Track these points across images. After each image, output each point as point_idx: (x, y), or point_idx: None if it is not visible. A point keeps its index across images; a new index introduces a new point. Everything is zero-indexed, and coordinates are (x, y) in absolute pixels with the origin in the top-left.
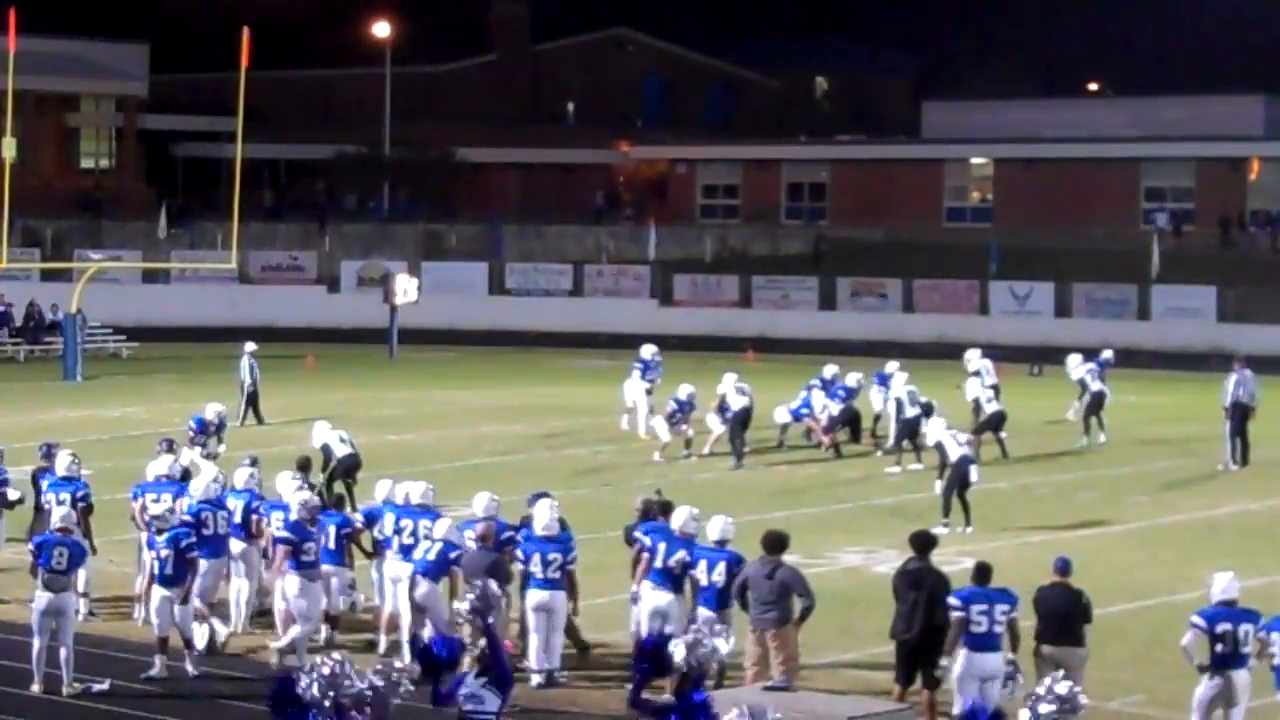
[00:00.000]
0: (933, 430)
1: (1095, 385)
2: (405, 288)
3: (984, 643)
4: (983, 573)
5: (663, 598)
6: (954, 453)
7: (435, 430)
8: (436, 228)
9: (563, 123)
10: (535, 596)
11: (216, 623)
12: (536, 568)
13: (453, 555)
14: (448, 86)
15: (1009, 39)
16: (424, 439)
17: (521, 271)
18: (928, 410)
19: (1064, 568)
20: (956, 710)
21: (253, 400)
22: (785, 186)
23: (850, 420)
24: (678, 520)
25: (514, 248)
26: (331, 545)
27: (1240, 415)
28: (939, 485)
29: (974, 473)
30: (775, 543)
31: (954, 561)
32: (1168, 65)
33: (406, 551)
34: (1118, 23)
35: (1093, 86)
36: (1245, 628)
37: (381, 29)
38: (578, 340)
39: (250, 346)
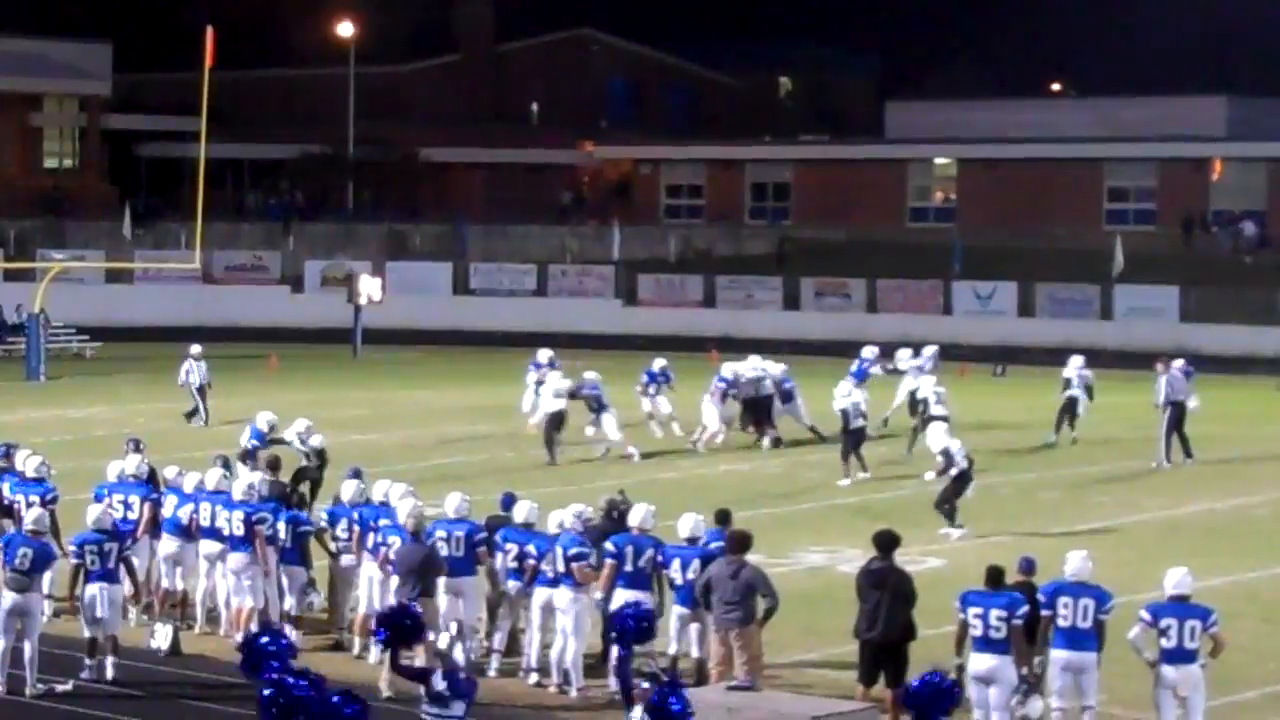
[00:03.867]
0: (936, 436)
1: (1074, 390)
2: (369, 288)
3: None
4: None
5: (632, 598)
6: (960, 461)
7: (399, 430)
8: (400, 228)
9: (527, 123)
10: (542, 595)
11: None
12: (548, 566)
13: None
14: (412, 86)
15: (972, 40)
16: (388, 439)
17: (485, 271)
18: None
19: (1028, 567)
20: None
21: (203, 398)
22: (749, 187)
23: (756, 409)
24: (635, 518)
25: (478, 248)
26: (289, 544)
27: (1178, 414)
28: (938, 487)
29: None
30: (739, 542)
31: (918, 561)
32: (1130, 66)
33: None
34: (1080, 24)
35: (1055, 87)
36: (1191, 624)
37: (345, 29)
38: (542, 340)
39: (195, 349)
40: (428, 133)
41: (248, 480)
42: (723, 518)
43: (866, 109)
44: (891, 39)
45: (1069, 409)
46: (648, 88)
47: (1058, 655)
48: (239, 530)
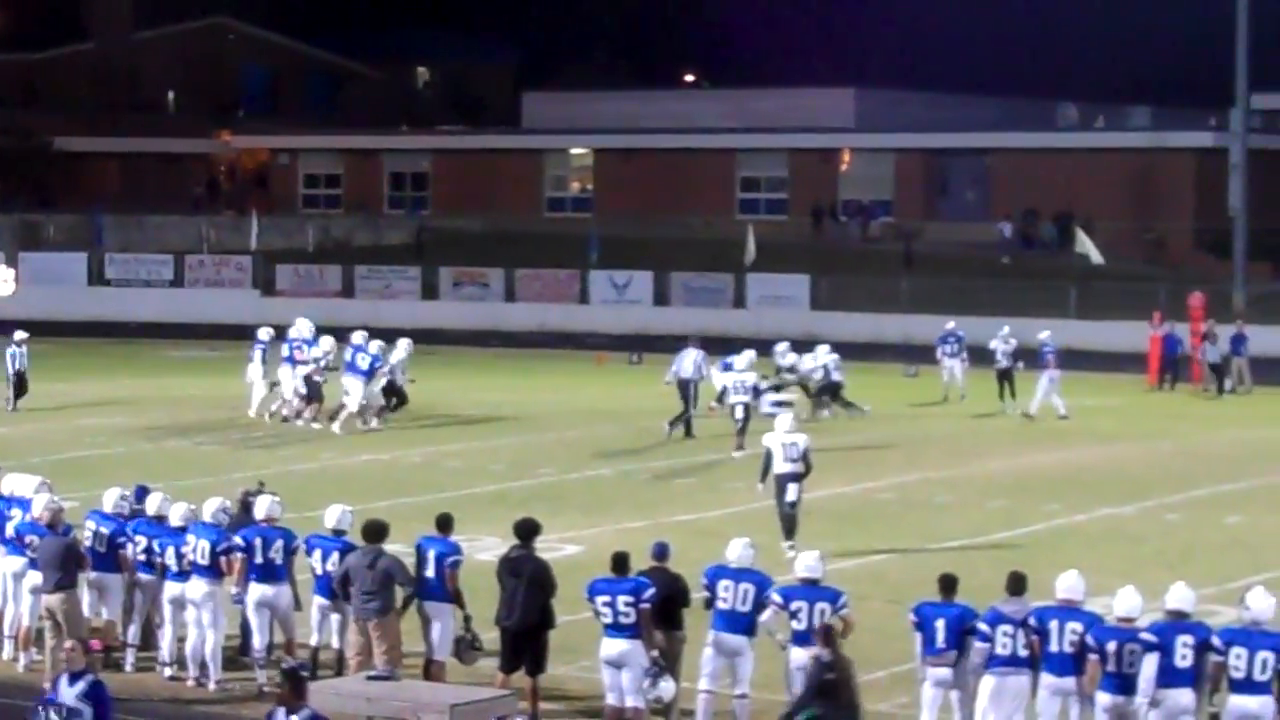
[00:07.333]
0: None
1: (836, 375)
2: (2, 279)
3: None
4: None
5: (267, 590)
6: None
7: (33, 423)
8: (33, 218)
9: (163, 112)
10: (172, 589)
11: None
12: (172, 559)
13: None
14: (45, 75)
15: (606, 31)
16: (21, 432)
17: (121, 262)
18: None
19: (661, 552)
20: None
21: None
22: (387, 176)
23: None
24: (261, 510)
25: (114, 238)
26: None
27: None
28: (760, 488)
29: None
30: (375, 532)
31: (555, 548)
32: (761, 58)
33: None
34: (712, 16)
35: (689, 78)
36: (821, 606)
37: None
38: (179, 331)
39: (20, 335)
40: (61, 121)
41: None
42: (443, 523)
43: (503, 99)
44: (528, 29)
45: (833, 391)
46: (285, 77)
47: (716, 637)
48: None
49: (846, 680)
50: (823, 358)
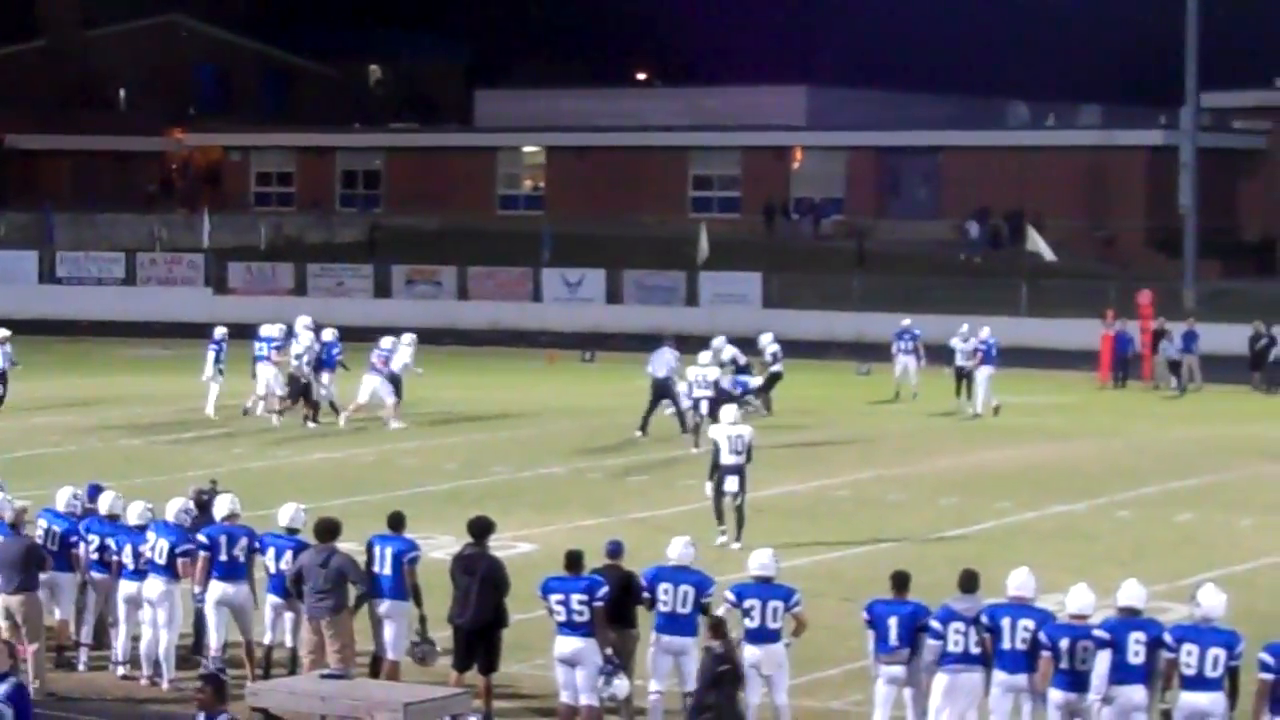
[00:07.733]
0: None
1: (776, 366)
2: None
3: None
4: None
5: (228, 588)
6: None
7: None
8: None
9: (115, 110)
10: (127, 588)
11: None
12: (129, 558)
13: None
14: None
15: (559, 29)
16: None
17: (73, 260)
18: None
19: (615, 550)
20: None
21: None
22: (340, 174)
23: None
24: (223, 508)
25: (65, 236)
26: None
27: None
28: (708, 487)
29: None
30: (327, 530)
31: (509, 546)
32: (714, 56)
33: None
34: (664, 14)
35: (641, 76)
36: (774, 604)
37: None
38: (131, 329)
39: (2, 333)
40: (13, 119)
41: None
42: (395, 521)
43: (456, 97)
44: (480, 27)
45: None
46: (237, 75)
47: (660, 639)
48: None
49: (738, 669)
50: (769, 346)
